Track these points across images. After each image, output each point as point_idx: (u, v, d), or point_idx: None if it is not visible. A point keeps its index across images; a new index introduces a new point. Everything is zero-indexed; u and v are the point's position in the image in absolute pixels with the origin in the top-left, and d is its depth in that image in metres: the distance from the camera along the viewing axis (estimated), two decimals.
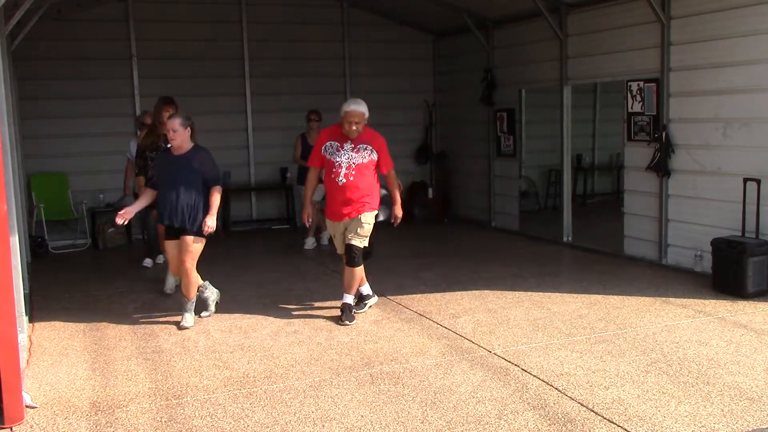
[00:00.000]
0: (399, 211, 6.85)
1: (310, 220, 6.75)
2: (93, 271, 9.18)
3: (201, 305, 6.73)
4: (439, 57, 12.92)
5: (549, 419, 4.34)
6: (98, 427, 4.39)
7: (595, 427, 4.22)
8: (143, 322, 6.63)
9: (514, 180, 11.29)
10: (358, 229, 6.46)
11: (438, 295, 7.35)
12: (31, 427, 4.41)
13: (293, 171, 10.98)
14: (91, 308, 7.13)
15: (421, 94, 12.83)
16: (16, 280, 5.15)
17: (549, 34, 9.88)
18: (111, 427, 4.39)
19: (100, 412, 4.59)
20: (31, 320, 6.62)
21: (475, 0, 10.67)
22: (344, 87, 12.39)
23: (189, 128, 6.45)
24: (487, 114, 11.52)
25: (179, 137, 6.40)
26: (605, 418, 4.33)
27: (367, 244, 6.59)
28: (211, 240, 10.92)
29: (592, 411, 4.44)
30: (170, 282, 7.65)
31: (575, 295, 7.20)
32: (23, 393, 4.54)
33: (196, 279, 6.54)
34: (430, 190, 12.66)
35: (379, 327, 6.34)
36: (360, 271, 6.60)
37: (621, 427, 4.21)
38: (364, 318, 6.62)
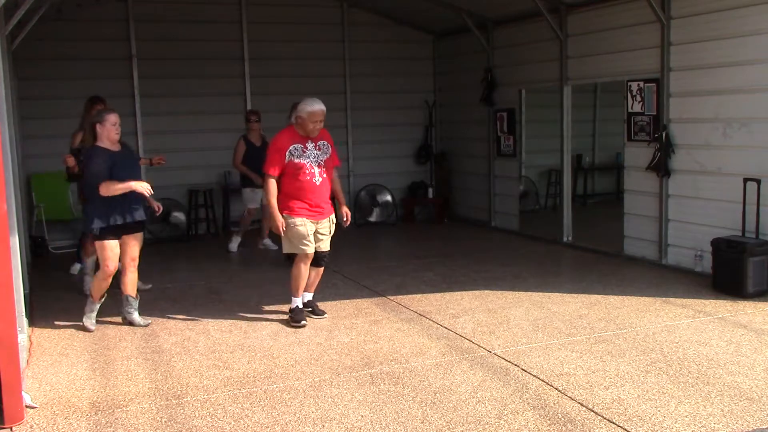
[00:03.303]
0: (347, 210, 6.67)
1: (284, 228, 6.39)
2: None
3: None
4: (439, 57, 12.92)
5: (549, 419, 4.35)
6: (98, 427, 4.39)
7: (595, 427, 4.22)
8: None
9: (514, 180, 11.29)
10: (331, 229, 6.58)
11: (438, 295, 7.35)
12: (31, 427, 4.41)
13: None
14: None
15: (421, 94, 12.82)
16: (16, 280, 5.15)
17: (549, 34, 9.88)
18: (111, 427, 4.39)
19: (100, 412, 4.60)
20: (31, 320, 6.62)
21: (475, 0, 10.68)
22: (344, 87, 12.39)
23: None
24: (487, 114, 11.52)
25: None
26: (605, 418, 4.33)
27: None
28: (211, 240, 10.92)
29: (592, 411, 4.44)
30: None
31: (575, 295, 7.20)
32: (23, 393, 4.54)
33: None
34: (430, 190, 12.66)
35: (379, 327, 6.34)
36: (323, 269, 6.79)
37: (621, 427, 4.21)
38: (364, 318, 6.62)
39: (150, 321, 6.55)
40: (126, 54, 11.09)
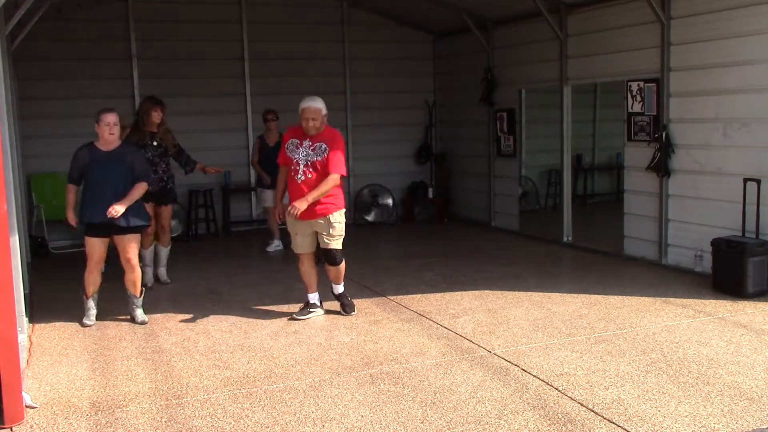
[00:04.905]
0: (300, 204, 6.18)
1: (281, 218, 6.59)
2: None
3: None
4: (439, 57, 12.92)
5: (549, 419, 4.35)
6: (98, 427, 4.39)
7: (595, 427, 4.22)
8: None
9: (514, 180, 11.29)
10: (331, 231, 6.46)
11: (438, 295, 7.35)
12: (31, 427, 4.41)
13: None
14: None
15: (421, 94, 12.83)
16: (16, 280, 5.15)
17: (549, 34, 9.88)
18: (111, 427, 4.39)
19: (100, 412, 4.60)
20: (31, 320, 6.62)
21: (475, 0, 10.68)
22: (344, 87, 12.39)
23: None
24: (487, 114, 11.52)
25: (118, 132, 6.45)
26: (605, 418, 4.33)
27: (340, 246, 6.59)
28: (211, 240, 10.91)
29: (592, 411, 4.44)
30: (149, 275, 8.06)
31: (575, 295, 7.20)
32: (23, 393, 4.54)
33: (140, 273, 6.68)
34: (430, 190, 12.66)
35: (379, 327, 6.34)
36: (343, 265, 6.70)
37: (621, 427, 4.21)
38: (364, 318, 6.62)
39: (146, 318, 6.63)
40: (126, 54, 11.10)
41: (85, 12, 10.77)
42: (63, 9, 10.14)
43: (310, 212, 6.33)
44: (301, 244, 6.63)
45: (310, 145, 6.35)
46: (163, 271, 8.25)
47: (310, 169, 6.33)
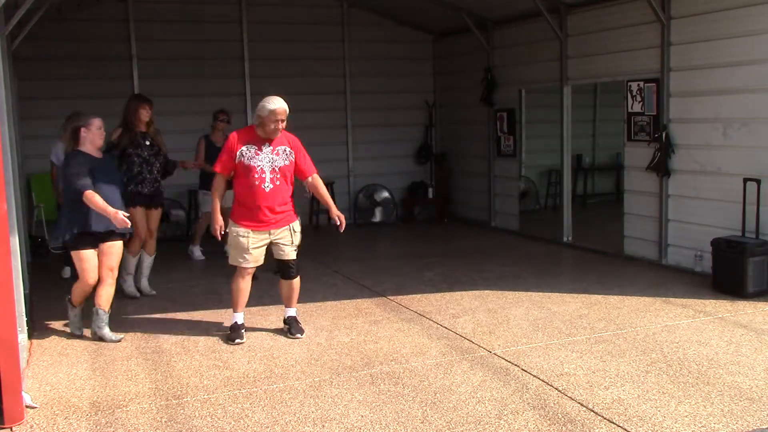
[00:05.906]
0: (339, 213, 6.10)
1: (222, 232, 6.05)
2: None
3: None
4: (439, 57, 12.92)
5: (549, 419, 4.35)
6: (98, 427, 4.39)
7: (595, 427, 4.22)
8: (143, 322, 6.62)
9: (514, 180, 11.29)
10: (294, 240, 6.04)
11: (438, 295, 7.35)
12: (31, 427, 4.41)
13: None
14: (91, 308, 7.11)
15: (421, 94, 12.84)
16: (16, 280, 5.14)
17: (549, 34, 9.88)
18: (111, 427, 4.39)
19: (100, 412, 4.60)
20: (31, 320, 6.61)
21: (475, 0, 10.68)
22: (344, 87, 12.40)
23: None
24: (487, 114, 11.53)
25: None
26: (605, 418, 4.33)
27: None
28: (210, 240, 10.88)
29: (592, 411, 4.44)
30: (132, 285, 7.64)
31: (575, 295, 7.20)
32: (23, 393, 4.54)
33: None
34: (430, 190, 12.67)
35: (379, 327, 6.34)
36: (299, 281, 6.19)
37: (621, 427, 4.21)
38: (364, 318, 6.62)
39: (122, 336, 6.12)
40: (126, 54, 11.11)
41: (85, 12, 10.78)
42: (63, 9, 10.14)
43: (286, 218, 5.99)
44: (254, 257, 5.98)
45: (272, 150, 5.90)
46: (145, 282, 7.69)
47: (278, 176, 5.90)
